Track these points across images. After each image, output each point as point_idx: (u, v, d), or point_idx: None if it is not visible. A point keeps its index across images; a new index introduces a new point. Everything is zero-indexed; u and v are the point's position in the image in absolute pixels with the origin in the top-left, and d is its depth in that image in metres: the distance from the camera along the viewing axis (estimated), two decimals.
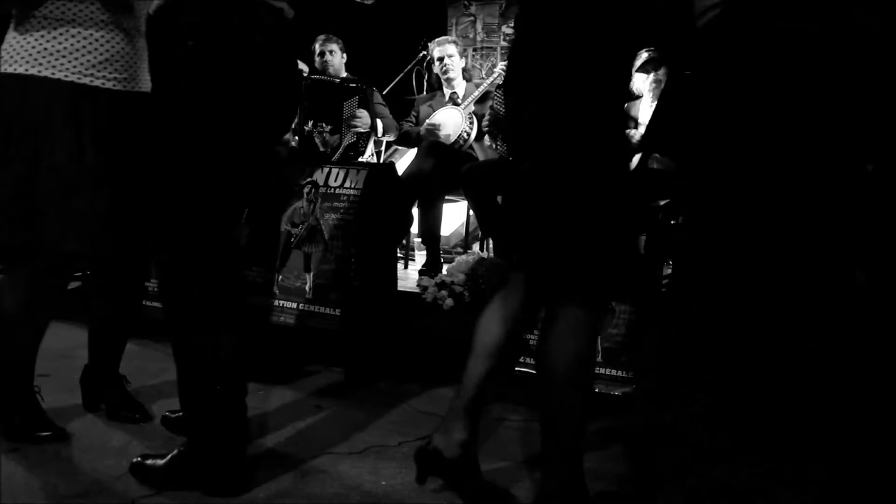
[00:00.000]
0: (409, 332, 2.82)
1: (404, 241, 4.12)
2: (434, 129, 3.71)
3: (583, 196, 1.36)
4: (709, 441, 2.03)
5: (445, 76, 3.92)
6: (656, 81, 3.61)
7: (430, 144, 3.68)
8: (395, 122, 4.03)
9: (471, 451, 1.58)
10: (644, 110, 3.65)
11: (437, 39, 4.07)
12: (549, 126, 1.40)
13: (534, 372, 2.49)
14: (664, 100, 2.90)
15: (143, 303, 3.18)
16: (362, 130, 3.75)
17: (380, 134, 3.91)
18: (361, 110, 3.74)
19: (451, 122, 3.73)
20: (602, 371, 2.41)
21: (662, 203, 3.22)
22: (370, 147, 3.96)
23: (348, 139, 3.79)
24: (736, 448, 1.98)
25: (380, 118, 3.94)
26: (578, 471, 1.42)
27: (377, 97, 4.08)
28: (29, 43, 1.68)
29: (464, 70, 3.99)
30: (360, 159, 3.84)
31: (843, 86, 1.43)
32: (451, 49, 3.93)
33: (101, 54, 1.71)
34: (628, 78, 1.47)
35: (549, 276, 1.42)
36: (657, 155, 3.51)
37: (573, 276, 1.39)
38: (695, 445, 1.99)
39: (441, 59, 3.91)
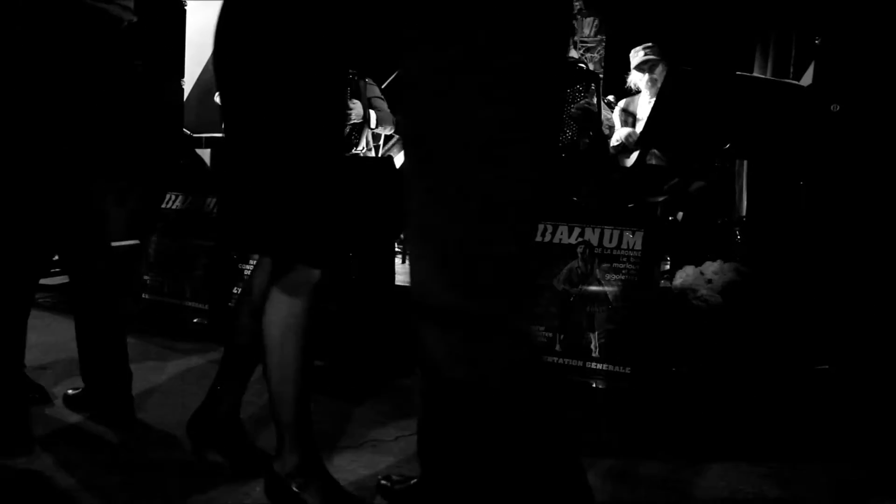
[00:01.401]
0: (406, 327, 2.81)
1: (402, 235, 4.12)
2: None
3: (265, 163, 1.39)
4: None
5: None
6: (652, 81, 3.61)
7: None
8: (391, 116, 4.03)
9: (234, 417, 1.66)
10: (642, 107, 3.65)
11: None
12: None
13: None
14: (662, 96, 2.90)
15: (143, 295, 3.23)
16: (354, 121, 3.76)
17: (373, 125, 3.91)
18: (353, 100, 3.75)
19: None
20: (599, 366, 2.42)
21: (660, 199, 3.23)
22: (364, 140, 3.96)
23: (347, 131, 3.80)
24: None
25: (375, 110, 3.94)
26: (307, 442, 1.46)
27: (374, 90, 4.08)
28: None
29: None
30: (353, 151, 3.84)
31: None
32: None
33: None
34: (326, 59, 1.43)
35: (247, 242, 1.50)
36: (655, 151, 3.52)
37: (263, 243, 1.45)
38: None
39: None
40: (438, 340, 1.06)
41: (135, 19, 1.82)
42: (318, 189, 1.40)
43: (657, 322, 2.54)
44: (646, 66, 3.60)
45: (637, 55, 3.65)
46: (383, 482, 1.59)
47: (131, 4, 1.82)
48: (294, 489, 1.43)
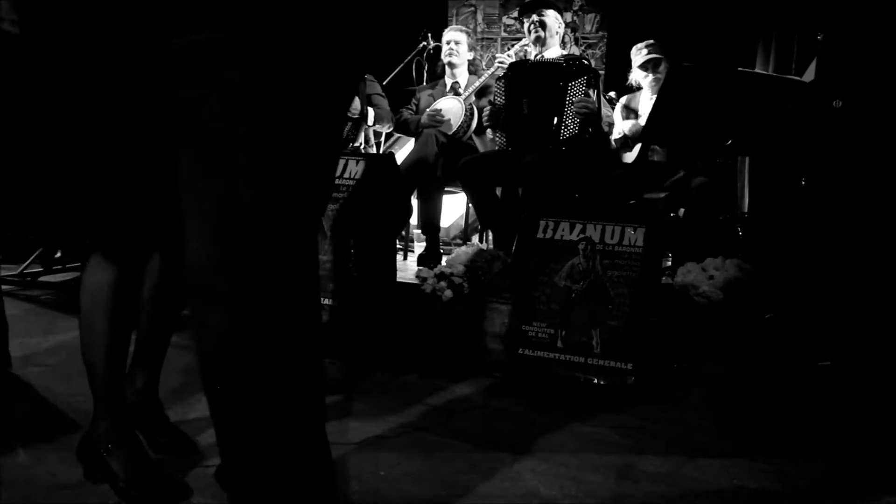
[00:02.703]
0: (407, 323, 2.82)
1: (403, 232, 4.13)
2: (436, 116, 3.71)
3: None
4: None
5: (448, 60, 3.92)
6: (656, 80, 3.60)
7: (432, 133, 3.68)
8: (391, 113, 4.03)
9: (152, 395, 1.71)
10: (644, 103, 3.64)
11: (452, 26, 4.11)
12: None
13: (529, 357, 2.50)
14: (664, 92, 2.90)
15: None
16: (352, 116, 3.77)
17: (370, 122, 3.91)
18: None
19: (453, 111, 3.73)
20: (601, 363, 2.42)
21: (662, 195, 3.23)
22: (361, 136, 3.96)
23: (347, 129, 3.80)
24: (731, 445, 1.99)
25: (373, 107, 3.94)
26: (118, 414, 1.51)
27: (375, 87, 4.08)
28: None
29: (470, 63, 3.99)
30: (351, 146, 3.85)
31: None
32: (460, 36, 3.94)
33: None
34: None
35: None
36: (657, 147, 3.51)
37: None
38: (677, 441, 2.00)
39: (448, 43, 3.92)
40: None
41: (17, 31, 1.87)
42: (108, 180, 1.42)
43: (659, 318, 2.53)
44: (649, 66, 3.60)
45: (640, 53, 3.65)
46: None
47: (16, 18, 1.87)
48: (101, 452, 1.49)
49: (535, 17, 3.49)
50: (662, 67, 3.60)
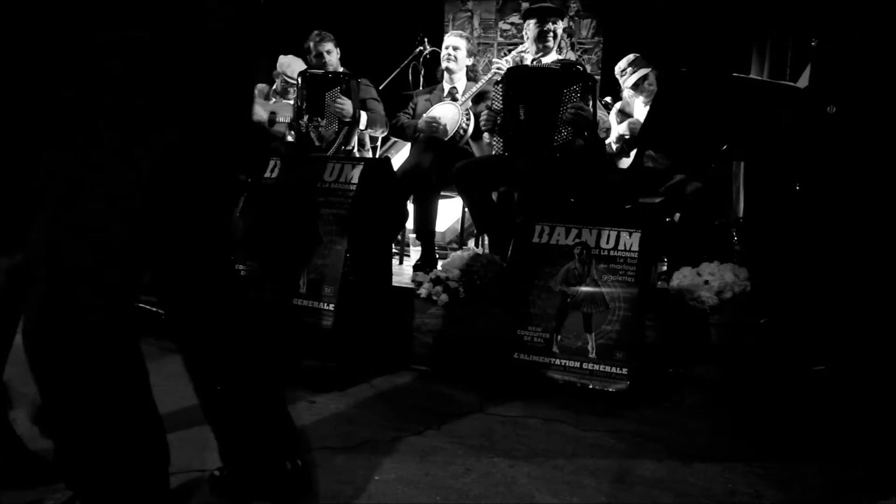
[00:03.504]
0: (403, 328, 2.82)
1: (399, 237, 4.13)
2: (433, 122, 3.71)
3: None
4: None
5: (446, 66, 3.93)
6: (648, 92, 3.61)
7: (429, 139, 3.68)
8: (385, 118, 4.03)
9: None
10: (639, 108, 3.65)
11: (452, 31, 4.11)
12: None
13: (526, 361, 2.49)
14: (659, 98, 2.91)
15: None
16: (345, 120, 3.77)
17: (362, 126, 3.91)
18: (343, 98, 3.75)
19: (449, 117, 3.73)
20: (596, 367, 2.42)
21: (657, 200, 3.23)
22: (354, 139, 3.96)
23: (343, 132, 3.80)
24: (725, 447, 1.99)
25: (367, 111, 3.94)
26: None
27: (371, 91, 4.08)
28: None
29: (469, 69, 3.99)
30: (343, 150, 3.86)
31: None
32: (459, 42, 3.94)
33: None
34: None
35: None
36: (652, 153, 3.52)
37: None
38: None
39: (447, 48, 3.93)
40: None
41: None
42: None
43: (654, 323, 2.54)
44: (641, 81, 3.62)
45: (625, 75, 3.66)
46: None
47: None
48: None
49: (551, 26, 3.49)
50: (651, 78, 3.61)
